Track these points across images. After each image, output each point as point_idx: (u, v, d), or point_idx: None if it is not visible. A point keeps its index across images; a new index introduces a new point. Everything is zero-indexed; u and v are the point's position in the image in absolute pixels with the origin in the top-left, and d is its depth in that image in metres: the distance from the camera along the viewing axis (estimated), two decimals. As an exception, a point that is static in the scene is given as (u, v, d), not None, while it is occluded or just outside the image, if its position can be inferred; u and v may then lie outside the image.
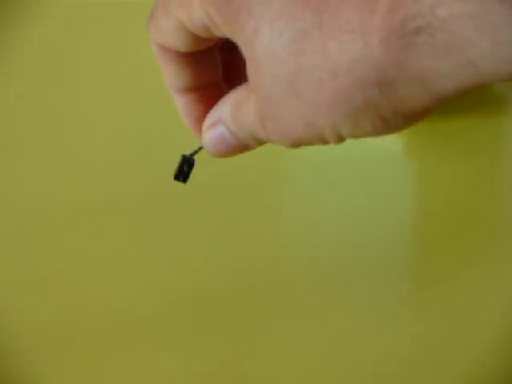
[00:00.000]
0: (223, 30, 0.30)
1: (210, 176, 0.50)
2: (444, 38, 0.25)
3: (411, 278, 0.48)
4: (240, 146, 0.34)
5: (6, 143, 0.53)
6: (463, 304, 0.45)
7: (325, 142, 0.30)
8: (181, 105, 0.35)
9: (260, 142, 0.33)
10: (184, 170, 0.36)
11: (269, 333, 0.44)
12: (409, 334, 0.44)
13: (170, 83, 0.34)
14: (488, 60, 0.25)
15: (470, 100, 0.50)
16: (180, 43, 0.32)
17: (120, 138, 0.52)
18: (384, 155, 0.52)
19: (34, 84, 0.56)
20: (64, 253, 0.47)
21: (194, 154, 0.36)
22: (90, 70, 0.57)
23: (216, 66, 0.35)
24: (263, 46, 0.28)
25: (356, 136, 0.30)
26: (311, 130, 0.29)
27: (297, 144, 0.31)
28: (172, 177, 0.37)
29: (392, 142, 0.52)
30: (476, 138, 0.52)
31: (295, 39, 0.28)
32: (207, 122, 0.34)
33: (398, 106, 0.28)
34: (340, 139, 0.30)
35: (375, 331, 0.44)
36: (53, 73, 0.57)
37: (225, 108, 0.33)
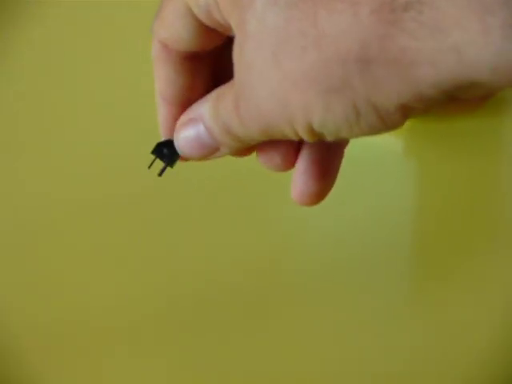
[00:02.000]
0: (221, 7, 0.30)
1: (210, 176, 0.50)
2: (431, 16, 0.24)
3: (411, 277, 0.48)
4: (213, 148, 0.33)
5: (6, 143, 0.53)
6: (463, 303, 0.45)
7: (294, 131, 0.29)
8: (163, 116, 0.35)
9: (233, 142, 0.32)
10: (166, 155, 0.35)
11: (270, 333, 0.44)
12: (409, 333, 0.44)
13: (160, 89, 0.34)
14: (474, 46, 0.24)
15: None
16: (184, 31, 0.32)
17: (120, 137, 0.52)
18: (384, 155, 0.52)
19: (34, 84, 0.56)
20: (64, 253, 0.47)
21: (164, 169, 0.35)
22: (90, 69, 0.57)
23: (208, 84, 0.34)
24: (256, 12, 0.28)
25: (326, 128, 0.28)
26: (282, 110, 0.28)
27: (265, 129, 0.30)
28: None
29: (392, 142, 0.52)
30: (476, 138, 0.52)
31: (289, 5, 0.27)
32: (184, 117, 0.33)
33: (371, 94, 0.26)
34: (309, 130, 0.29)
35: (375, 331, 0.44)
36: (53, 73, 0.57)
37: (205, 104, 0.32)
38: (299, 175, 0.33)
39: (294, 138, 0.30)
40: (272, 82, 0.28)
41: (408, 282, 0.48)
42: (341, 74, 0.27)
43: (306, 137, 0.29)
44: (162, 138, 0.35)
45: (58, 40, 0.58)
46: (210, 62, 0.33)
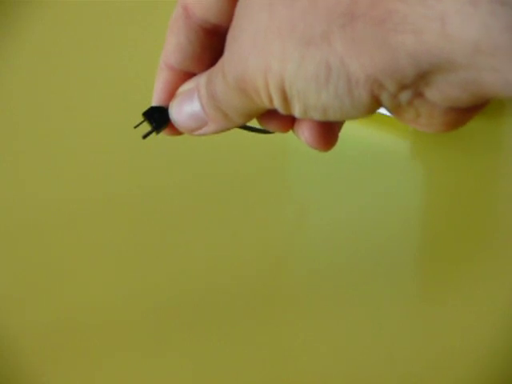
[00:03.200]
0: None
1: (211, 176, 0.50)
2: None
3: (417, 277, 0.48)
4: (202, 120, 0.32)
5: (6, 143, 0.53)
6: (467, 303, 0.45)
7: (266, 86, 0.28)
8: (161, 81, 0.34)
9: (217, 113, 0.31)
10: (155, 120, 0.35)
11: (271, 332, 0.44)
12: (413, 333, 0.44)
13: (167, 54, 0.34)
14: (460, 17, 0.23)
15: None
16: None
17: (120, 138, 0.51)
18: (390, 156, 0.52)
19: (34, 84, 0.56)
20: (64, 253, 0.47)
21: (150, 133, 0.35)
22: (90, 69, 0.57)
23: (214, 62, 0.34)
24: None
25: (296, 87, 0.27)
26: (259, 56, 0.28)
27: (241, 82, 0.29)
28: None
29: (398, 144, 0.52)
30: (481, 138, 0.52)
31: None
32: (185, 86, 0.33)
33: (346, 54, 0.26)
34: (280, 87, 0.28)
35: (379, 330, 0.44)
36: (53, 73, 0.57)
37: (203, 75, 0.32)
38: (301, 132, 0.32)
39: (266, 101, 0.29)
40: (258, 27, 0.28)
41: (413, 282, 0.48)
42: (322, 27, 0.26)
43: (276, 97, 0.28)
44: (153, 103, 0.34)
45: (58, 40, 0.59)
46: (223, 42, 0.33)
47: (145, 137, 0.35)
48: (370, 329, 0.44)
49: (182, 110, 0.33)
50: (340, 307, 0.45)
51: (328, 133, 0.32)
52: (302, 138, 0.32)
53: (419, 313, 0.46)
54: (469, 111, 0.28)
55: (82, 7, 0.60)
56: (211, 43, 0.33)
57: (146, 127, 0.34)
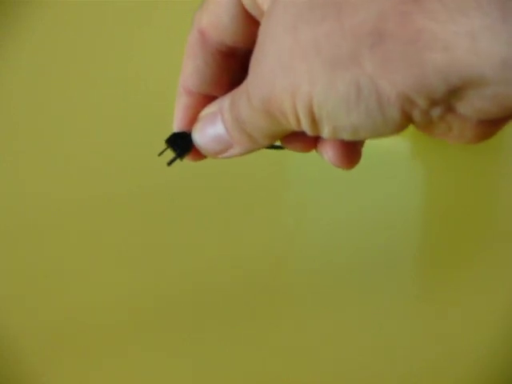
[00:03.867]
0: None
1: (212, 176, 0.49)
2: None
3: (417, 277, 0.48)
4: (227, 143, 0.32)
5: (6, 143, 0.53)
6: (468, 303, 0.45)
7: (293, 108, 0.28)
8: (181, 107, 0.34)
9: (243, 135, 0.31)
10: (178, 146, 0.34)
11: (271, 332, 0.44)
12: (414, 333, 0.44)
13: (185, 78, 0.34)
14: (489, 33, 0.23)
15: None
16: (227, 17, 0.31)
17: (120, 138, 0.51)
18: (391, 156, 0.52)
19: (34, 84, 0.56)
20: (64, 253, 0.47)
21: (174, 159, 0.35)
22: (90, 69, 0.57)
23: (234, 84, 0.34)
24: None
25: (325, 108, 0.27)
26: (286, 77, 0.27)
27: (267, 105, 0.29)
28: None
29: (399, 144, 0.52)
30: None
31: None
32: (207, 109, 0.33)
33: (377, 74, 0.26)
34: (308, 109, 0.27)
35: (379, 330, 0.44)
36: (53, 73, 0.57)
37: (227, 96, 0.32)
38: (325, 151, 0.32)
39: (293, 123, 0.29)
40: (283, 49, 0.28)
41: (413, 282, 0.48)
42: (351, 46, 0.26)
43: (304, 119, 0.28)
44: (175, 130, 0.34)
45: (58, 40, 0.59)
46: (240, 63, 0.33)
47: (169, 164, 0.34)
48: (370, 328, 0.44)
49: (206, 134, 0.33)
50: (340, 307, 0.45)
51: (352, 151, 0.32)
52: (325, 157, 0.32)
53: (419, 313, 0.46)
54: (499, 122, 0.28)
55: (82, 7, 0.60)
56: (229, 65, 0.33)
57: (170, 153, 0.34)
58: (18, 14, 0.59)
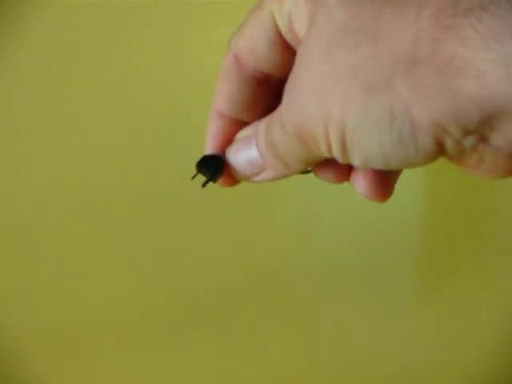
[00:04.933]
0: (301, 14, 0.30)
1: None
2: (490, 25, 0.24)
3: (418, 277, 0.48)
4: (260, 167, 0.32)
5: (6, 143, 0.53)
6: (469, 303, 0.45)
7: (326, 135, 0.28)
8: (214, 130, 0.34)
9: (275, 159, 0.31)
10: (210, 168, 0.35)
11: (272, 332, 0.44)
12: (415, 332, 0.44)
13: (219, 103, 0.34)
14: None
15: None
16: (263, 43, 0.32)
17: (120, 138, 0.51)
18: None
19: (34, 84, 0.56)
20: (64, 253, 0.47)
21: (207, 182, 0.35)
22: (90, 70, 0.57)
23: (267, 111, 0.34)
24: (328, 8, 0.28)
25: (358, 135, 0.27)
26: (320, 103, 0.27)
27: (300, 130, 0.29)
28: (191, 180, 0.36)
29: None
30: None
31: (361, 3, 0.27)
32: (242, 132, 0.33)
33: (411, 100, 0.25)
34: (341, 135, 0.27)
35: (381, 329, 0.44)
36: (53, 73, 0.57)
37: (263, 121, 0.32)
38: (357, 182, 0.32)
39: (325, 150, 0.29)
40: (318, 75, 0.28)
41: (413, 282, 0.48)
42: (386, 72, 0.26)
43: (335, 145, 0.28)
44: (206, 152, 0.34)
45: (58, 40, 0.59)
46: (274, 91, 0.33)
47: (204, 186, 0.35)
48: (372, 328, 0.44)
49: (240, 156, 0.33)
50: (341, 307, 0.45)
51: (385, 183, 0.32)
52: (357, 188, 0.32)
53: (419, 313, 0.46)
54: None
55: (82, 7, 0.60)
56: (262, 92, 0.33)
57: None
58: (17, 14, 0.59)
